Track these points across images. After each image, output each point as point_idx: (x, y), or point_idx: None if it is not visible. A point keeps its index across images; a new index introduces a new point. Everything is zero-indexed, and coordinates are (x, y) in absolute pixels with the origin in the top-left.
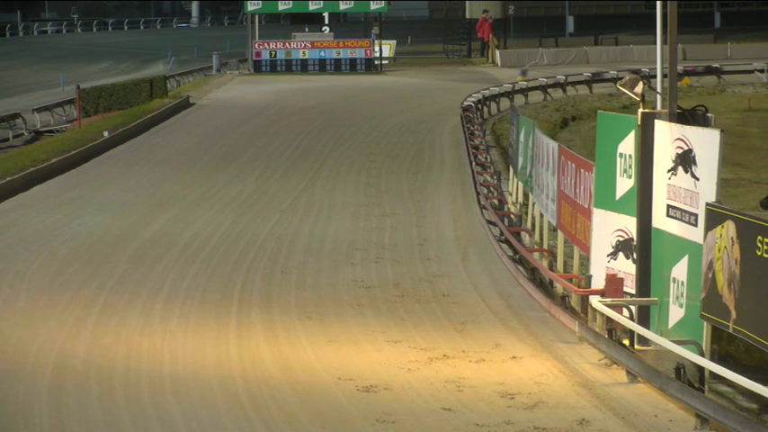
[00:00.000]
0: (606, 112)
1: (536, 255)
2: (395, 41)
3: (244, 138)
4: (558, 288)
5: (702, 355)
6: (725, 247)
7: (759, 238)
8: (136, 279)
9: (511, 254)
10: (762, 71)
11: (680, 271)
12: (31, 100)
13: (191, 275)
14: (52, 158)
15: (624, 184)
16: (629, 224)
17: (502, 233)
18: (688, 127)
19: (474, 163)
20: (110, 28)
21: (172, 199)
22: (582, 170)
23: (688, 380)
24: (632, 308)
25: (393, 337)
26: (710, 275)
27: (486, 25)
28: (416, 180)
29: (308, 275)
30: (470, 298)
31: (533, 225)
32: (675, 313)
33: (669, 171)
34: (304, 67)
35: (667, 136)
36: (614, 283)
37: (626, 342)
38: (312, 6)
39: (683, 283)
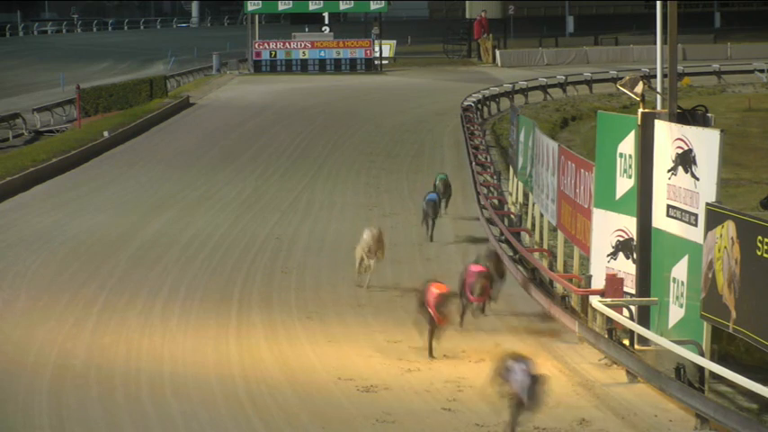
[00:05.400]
0: (606, 112)
1: (536, 255)
2: (395, 41)
3: (244, 138)
4: (558, 288)
5: (702, 355)
6: (725, 247)
7: (759, 238)
8: (136, 279)
9: (511, 254)
10: (762, 71)
11: (680, 271)
12: (31, 100)
13: (191, 275)
14: (52, 158)
15: (624, 184)
16: (629, 224)
17: (502, 233)
18: (688, 127)
19: (474, 163)
20: (110, 28)
21: (172, 199)
22: (582, 170)
23: (688, 380)
24: (632, 308)
25: (393, 337)
26: (710, 275)
27: (475, 24)
28: (416, 180)
29: (308, 275)
30: None
31: (533, 225)
32: (675, 313)
33: (669, 171)
34: (304, 67)
35: (667, 136)
36: (614, 283)
37: (626, 342)
38: (312, 6)
39: (683, 283)
